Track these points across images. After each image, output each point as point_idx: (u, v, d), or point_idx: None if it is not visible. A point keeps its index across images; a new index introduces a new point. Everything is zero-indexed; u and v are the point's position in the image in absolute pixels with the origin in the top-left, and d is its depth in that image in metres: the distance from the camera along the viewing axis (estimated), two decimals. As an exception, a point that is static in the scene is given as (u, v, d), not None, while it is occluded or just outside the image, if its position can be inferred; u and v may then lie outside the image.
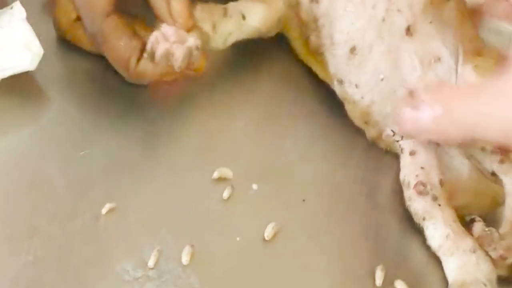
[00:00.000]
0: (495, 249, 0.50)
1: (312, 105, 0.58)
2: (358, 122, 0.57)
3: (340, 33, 0.55)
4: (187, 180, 0.52)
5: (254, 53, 0.59)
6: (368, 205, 0.54)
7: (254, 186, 0.53)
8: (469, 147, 0.53)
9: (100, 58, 0.52)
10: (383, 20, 0.54)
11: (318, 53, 0.57)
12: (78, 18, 0.52)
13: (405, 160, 0.55)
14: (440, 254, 0.51)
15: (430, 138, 0.51)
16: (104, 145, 0.52)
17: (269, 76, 0.59)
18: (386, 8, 0.54)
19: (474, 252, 0.51)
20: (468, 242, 0.51)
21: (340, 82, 0.56)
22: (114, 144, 0.52)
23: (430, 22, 0.54)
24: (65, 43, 0.54)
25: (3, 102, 0.52)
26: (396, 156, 0.56)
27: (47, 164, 0.50)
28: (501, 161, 0.52)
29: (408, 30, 0.54)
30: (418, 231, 0.53)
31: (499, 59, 0.53)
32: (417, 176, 0.53)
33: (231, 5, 0.55)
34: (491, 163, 0.52)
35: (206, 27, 0.53)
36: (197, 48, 0.50)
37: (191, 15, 0.50)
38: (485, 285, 0.49)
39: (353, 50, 0.54)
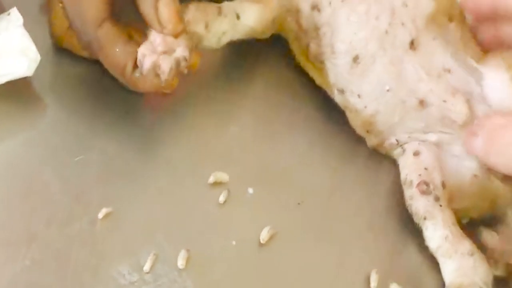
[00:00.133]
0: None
1: (308, 110, 0.58)
2: (359, 130, 0.57)
3: (342, 42, 0.55)
4: (183, 184, 0.52)
5: (250, 56, 0.60)
6: (364, 208, 0.54)
7: (250, 190, 0.53)
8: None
9: (96, 64, 0.52)
10: (386, 32, 0.54)
11: (317, 61, 0.57)
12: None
13: (407, 160, 0.55)
14: (438, 255, 0.52)
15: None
16: (100, 151, 0.52)
17: (265, 80, 0.59)
18: (389, 22, 0.54)
19: (472, 255, 0.51)
20: (466, 245, 0.51)
21: (341, 91, 0.56)
22: (110, 149, 0.52)
23: (434, 39, 0.54)
24: (61, 49, 0.55)
25: (0, 108, 0.52)
26: (394, 162, 0.57)
27: (43, 169, 0.50)
28: None
29: (412, 44, 0.54)
30: (413, 234, 0.53)
31: None
32: (420, 175, 0.53)
33: (225, 4, 0.55)
34: None
35: (199, 28, 0.52)
36: (185, 59, 0.50)
37: (180, 19, 0.50)
38: (481, 288, 0.49)
39: (356, 59, 0.54)
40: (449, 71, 0.54)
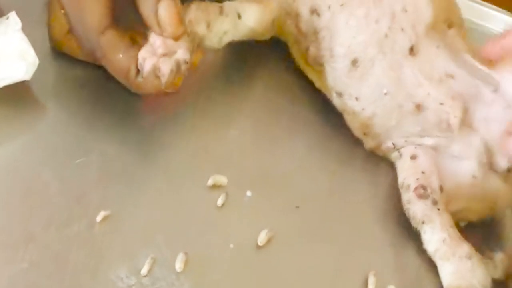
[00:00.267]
0: None
1: (307, 114, 0.58)
2: (357, 132, 0.57)
3: (341, 46, 0.55)
4: (182, 187, 0.52)
5: (250, 59, 0.60)
6: (362, 211, 0.55)
7: (248, 193, 0.53)
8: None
9: (95, 67, 0.52)
10: (386, 36, 0.54)
11: (316, 64, 0.57)
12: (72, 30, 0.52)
13: (404, 164, 0.55)
14: (436, 258, 0.52)
15: None
16: (100, 153, 0.52)
17: (264, 83, 0.60)
18: (389, 26, 0.54)
19: (470, 258, 0.51)
20: (464, 248, 0.51)
21: (339, 94, 0.56)
22: (110, 152, 0.52)
23: (437, 47, 0.54)
24: (60, 53, 0.55)
25: (-1, 111, 0.52)
26: (391, 164, 0.57)
27: (43, 172, 0.50)
28: None
29: (412, 50, 0.54)
30: (411, 237, 0.53)
31: None
32: (417, 179, 0.53)
33: (227, 4, 0.55)
34: None
35: (201, 28, 0.52)
36: (186, 61, 0.50)
37: (180, 22, 0.50)
38: (479, 291, 0.50)
39: (355, 62, 0.54)
40: (452, 76, 0.54)
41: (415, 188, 0.53)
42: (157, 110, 0.55)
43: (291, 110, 0.58)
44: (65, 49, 0.53)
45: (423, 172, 0.54)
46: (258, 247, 0.51)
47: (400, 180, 0.55)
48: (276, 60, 0.60)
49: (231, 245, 0.50)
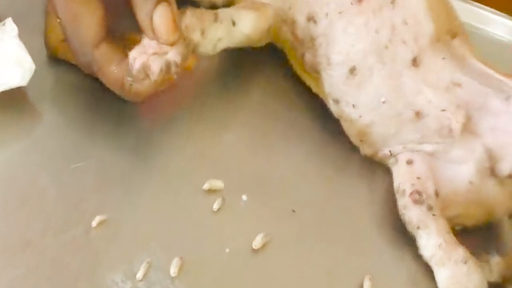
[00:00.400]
0: None
1: (304, 120, 0.59)
2: (354, 139, 0.57)
3: (338, 54, 0.55)
4: (178, 192, 0.52)
5: (247, 65, 0.60)
6: (358, 216, 0.55)
7: (244, 197, 0.53)
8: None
9: (91, 72, 0.52)
10: (386, 47, 0.54)
11: (313, 71, 0.57)
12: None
13: (400, 169, 0.55)
14: (432, 264, 0.52)
15: None
16: (96, 158, 0.52)
17: (261, 89, 0.60)
18: (389, 38, 0.54)
19: (465, 262, 0.51)
20: (460, 253, 0.51)
21: (336, 101, 0.56)
22: (106, 157, 0.52)
23: (443, 58, 0.54)
24: (57, 59, 0.55)
25: (-4, 117, 0.53)
26: (387, 170, 0.57)
27: (39, 178, 0.51)
28: None
29: (414, 61, 0.54)
30: (407, 242, 0.53)
31: None
32: (413, 184, 0.53)
33: (222, 10, 0.55)
34: None
35: (195, 34, 0.52)
36: (176, 64, 0.50)
37: (176, 29, 0.50)
38: (475, 295, 0.50)
39: (353, 70, 0.54)
40: (459, 85, 0.54)
41: (411, 194, 0.53)
42: (153, 115, 0.56)
43: (287, 116, 0.59)
44: (61, 55, 0.53)
45: (418, 178, 0.54)
46: (254, 251, 0.51)
47: (395, 185, 0.55)
48: (273, 66, 0.61)
49: (227, 250, 0.50)
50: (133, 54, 0.49)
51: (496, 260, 0.53)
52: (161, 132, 0.55)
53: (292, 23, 0.57)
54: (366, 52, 0.54)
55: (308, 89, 0.59)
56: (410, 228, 0.53)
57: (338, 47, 0.55)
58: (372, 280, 0.51)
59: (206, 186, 0.53)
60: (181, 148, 0.55)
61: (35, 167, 0.51)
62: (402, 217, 0.53)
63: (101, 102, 0.53)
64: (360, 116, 0.55)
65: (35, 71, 0.52)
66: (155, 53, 0.49)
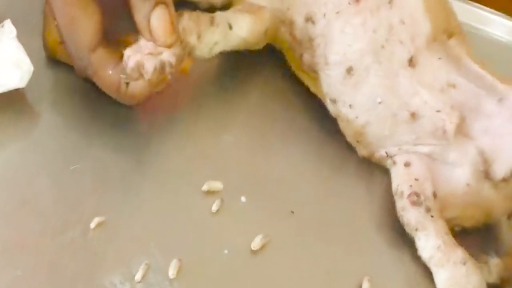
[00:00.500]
0: None
1: (302, 119, 0.59)
2: (350, 139, 0.57)
3: (336, 54, 0.54)
4: (177, 193, 0.52)
5: (244, 65, 0.60)
6: (358, 217, 0.55)
7: (243, 199, 0.53)
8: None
9: (90, 74, 0.52)
10: (383, 47, 0.54)
11: (311, 71, 0.57)
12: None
13: (398, 171, 0.55)
14: (431, 265, 0.52)
15: None
16: (95, 160, 0.52)
17: (259, 90, 0.60)
18: (386, 38, 0.54)
19: (464, 264, 0.51)
20: (458, 254, 0.51)
21: (333, 101, 0.56)
22: (104, 159, 0.52)
23: (439, 58, 0.54)
24: (55, 60, 0.55)
25: (-6, 118, 0.52)
26: (386, 170, 0.56)
27: (37, 179, 0.51)
28: None
29: (411, 61, 0.54)
30: (407, 243, 0.53)
31: None
32: (411, 186, 0.53)
33: (218, 14, 0.55)
34: None
35: (192, 38, 0.52)
36: (170, 64, 0.50)
37: (173, 32, 0.50)
38: (474, 296, 0.50)
39: (350, 70, 0.54)
40: (453, 86, 0.54)
41: (409, 195, 0.53)
42: (152, 117, 0.56)
43: (286, 116, 0.59)
44: (59, 57, 0.53)
45: (416, 179, 0.54)
46: (253, 252, 0.51)
47: (394, 187, 0.54)
48: (271, 66, 0.61)
49: (226, 251, 0.50)
50: (128, 52, 0.49)
51: (495, 262, 0.53)
52: (159, 133, 0.55)
53: (291, 24, 0.57)
54: (363, 52, 0.54)
55: (306, 90, 0.59)
56: (408, 229, 0.53)
57: (336, 47, 0.55)
58: (371, 282, 0.51)
59: (205, 187, 0.53)
60: (180, 149, 0.55)
61: (34, 168, 0.51)
62: (400, 219, 0.53)
63: (100, 104, 0.52)
64: (357, 117, 0.55)
65: (34, 73, 0.52)
66: (150, 53, 0.49)
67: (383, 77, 0.54)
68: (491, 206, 0.54)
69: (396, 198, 0.54)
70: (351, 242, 0.53)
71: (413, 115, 0.54)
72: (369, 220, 0.54)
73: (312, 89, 0.59)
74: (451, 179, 0.54)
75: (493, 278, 0.52)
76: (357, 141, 0.56)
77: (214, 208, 0.52)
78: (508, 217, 0.55)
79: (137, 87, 0.50)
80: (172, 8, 0.50)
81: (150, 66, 0.49)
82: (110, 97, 0.52)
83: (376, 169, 0.57)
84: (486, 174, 0.54)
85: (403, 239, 0.53)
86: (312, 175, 0.56)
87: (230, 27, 0.55)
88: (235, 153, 0.56)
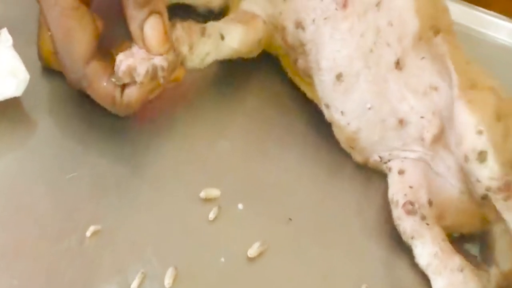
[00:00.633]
0: None
1: (299, 125, 0.58)
2: (344, 146, 0.57)
3: (326, 59, 0.54)
4: (174, 201, 0.52)
5: (241, 70, 0.59)
6: (355, 223, 0.54)
7: (240, 206, 0.53)
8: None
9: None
10: (371, 51, 0.53)
11: (306, 76, 0.57)
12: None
13: (393, 179, 0.55)
14: (428, 272, 0.52)
15: None
16: (91, 167, 0.52)
17: (255, 95, 0.60)
18: (374, 41, 0.53)
19: (461, 271, 0.51)
20: (456, 261, 0.51)
21: (327, 106, 0.56)
22: (101, 166, 0.52)
23: (422, 58, 0.54)
24: (51, 68, 0.55)
25: (-10, 127, 0.53)
26: (384, 176, 0.56)
27: (34, 187, 0.51)
28: (507, 198, 0.51)
29: (398, 64, 0.53)
30: (405, 249, 0.53)
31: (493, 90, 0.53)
32: (405, 195, 0.53)
33: (210, 24, 0.55)
34: (496, 201, 0.51)
35: (184, 49, 0.52)
36: (162, 68, 0.50)
37: (166, 41, 0.50)
38: (472, 303, 0.49)
39: (339, 76, 0.54)
40: (435, 88, 0.54)
41: (403, 205, 0.53)
42: (148, 124, 0.55)
43: (282, 121, 0.58)
44: (54, 66, 0.53)
45: (411, 187, 0.53)
46: (250, 260, 0.51)
47: (389, 195, 0.54)
48: (267, 71, 0.60)
49: (222, 259, 0.50)
50: (121, 57, 0.49)
51: (494, 271, 0.52)
52: (156, 140, 0.55)
53: (283, 29, 0.57)
54: (351, 58, 0.54)
55: (302, 94, 0.59)
56: (405, 238, 0.53)
57: (326, 53, 0.54)
58: (368, 289, 0.51)
59: (202, 194, 0.53)
60: (176, 156, 0.55)
61: (30, 177, 0.51)
62: (397, 227, 0.53)
63: (96, 112, 0.52)
64: (348, 123, 0.55)
65: (30, 81, 0.52)
66: (142, 59, 0.49)
67: (372, 82, 0.54)
68: (487, 212, 0.53)
69: (392, 207, 0.54)
70: (348, 249, 0.53)
71: (401, 122, 0.54)
72: (366, 226, 0.54)
73: (309, 94, 0.59)
74: (445, 187, 0.54)
75: (492, 287, 0.52)
76: (351, 147, 0.56)
77: (211, 216, 0.52)
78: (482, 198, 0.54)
79: (132, 95, 0.50)
80: (166, 18, 0.50)
81: (142, 69, 0.49)
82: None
83: (373, 174, 0.57)
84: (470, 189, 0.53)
85: (401, 245, 0.53)
86: (309, 180, 0.56)
87: (222, 38, 0.55)
88: (232, 158, 0.56)
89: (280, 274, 0.51)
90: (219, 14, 0.60)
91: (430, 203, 0.53)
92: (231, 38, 0.55)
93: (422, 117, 0.53)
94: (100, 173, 0.52)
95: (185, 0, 0.60)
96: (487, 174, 0.50)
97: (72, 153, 0.53)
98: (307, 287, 0.51)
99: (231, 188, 0.53)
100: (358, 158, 0.57)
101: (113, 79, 0.50)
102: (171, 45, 0.50)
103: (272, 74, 0.60)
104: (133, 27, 0.49)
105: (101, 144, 0.53)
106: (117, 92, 0.50)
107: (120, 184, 0.52)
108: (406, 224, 0.52)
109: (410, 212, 0.52)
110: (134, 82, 0.50)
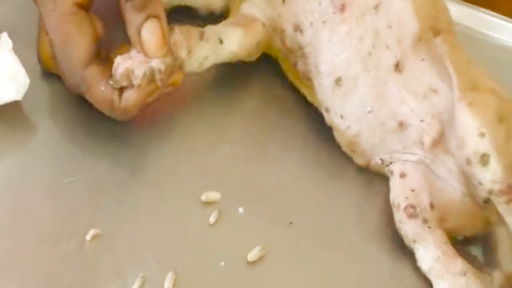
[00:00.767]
0: None
1: (300, 127, 0.58)
2: (345, 149, 0.56)
3: (325, 63, 0.54)
4: (174, 204, 0.52)
5: (241, 73, 0.59)
6: (356, 227, 0.54)
7: (240, 209, 0.53)
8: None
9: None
10: (370, 54, 0.53)
11: (306, 79, 0.57)
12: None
13: (395, 182, 0.54)
14: (430, 276, 0.51)
15: None
16: (90, 171, 0.52)
17: (256, 97, 0.59)
18: (373, 44, 0.53)
19: (464, 274, 0.50)
20: (458, 265, 0.51)
21: (327, 110, 0.55)
22: (100, 170, 0.52)
23: (422, 60, 0.53)
24: (51, 72, 0.55)
25: (-10, 130, 0.53)
26: (385, 179, 0.56)
27: (33, 192, 0.51)
28: (509, 201, 0.50)
29: (397, 66, 0.53)
30: (407, 253, 0.53)
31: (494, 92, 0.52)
32: (407, 198, 0.53)
33: (208, 28, 0.55)
34: (498, 204, 0.51)
35: (182, 53, 0.52)
36: (160, 71, 0.50)
37: (164, 45, 0.50)
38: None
39: (338, 81, 0.54)
40: (435, 91, 0.53)
41: (405, 208, 0.52)
42: (148, 127, 0.55)
43: (283, 123, 0.58)
44: (54, 70, 0.53)
45: (412, 190, 0.53)
46: (250, 264, 0.50)
47: (391, 199, 0.54)
48: (267, 73, 0.60)
49: (222, 263, 0.50)
50: (118, 59, 0.50)
51: (498, 274, 0.52)
52: (155, 143, 0.55)
53: (282, 32, 0.57)
54: (350, 61, 0.53)
55: (303, 97, 0.59)
56: (407, 242, 0.52)
57: (324, 57, 0.54)
58: (370, 293, 0.50)
59: (203, 198, 0.53)
60: (176, 159, 0.54)
61: (30, 180, 0.51)
62: (398, 231, 0.53)
63: (95, 115, 0.52)
64: (348, 127, 0.54)
65: (30, 84, 0.52)
66: (140, 62, 0.49)
67: (372, 85, 0.53)
68: (489, 215, 0.53)
69: (393, 210, 0.53)
70: (349, 252, 0.53)
71: (401, 124, 0.53)
72: (368, 229, 0.54)
73: (309, 98, 0.58)
74: (447, 189, 0.53)
75: (494, 289, 0.51)
76: (352, 151, 0.56)
77: (212, 219, 0.52)
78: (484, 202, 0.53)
79: (130, 98, 0.50)
80: (165, 21, 0.50)
81: (139, 72, 0.49)
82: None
83: (375, 177, 0.57)
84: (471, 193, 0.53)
85: (402, 250, 0.52)
86: (310, 183, 0.56)
87: (221, 42, 0.55)
88: (232, 161, 0.55)
89: (281, 278, 0.50)
90: (220, 16, 0.60)
91: (432, 206, 0.52)
92: (230, 42, 0.55)
93: (421, 120, 0.53)
94: (100, 176, 0.52)
95: (186, 3, 0.60)
96: (490, 177, 0.50)
97: (72, 156, 0.53)
98: (308, 291, 0.50)
99: (231, 191, 0.53)
100: (359, 161, 0.56)
101: (110, 82, 0.50)
102: (169, 49, 0.50)
103: (272, 76, 0.60)
104: (131, 31, 0.49)
105: (100, 147, 0.53)
106: (115, 96, 0.50)
107: (119, 188, 0.52)
108: (408, 228, 0.52)
109: (412, 216, 0.52)
110: (131, 85, 0.50)
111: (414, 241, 0.51)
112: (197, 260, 0.50)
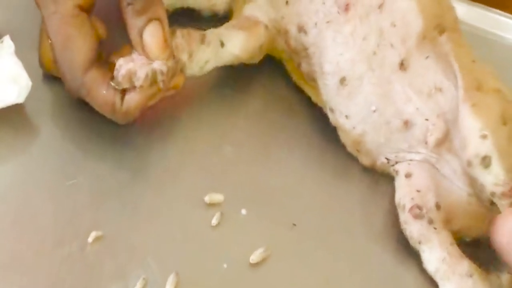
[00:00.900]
0: None
1: (304, 128, 0.58)
2: (350, 149, 0.56)
3: (329, 63, 0.54)
4: (176, 206, 0.52)
5: (244, 73, 0.59)
6: (361, 228, 0.53)
7: (243, 211, 0.52)
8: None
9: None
10: (374, 53, 0.53)
11: (310, 80, 0.57)
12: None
13: (400, 182, 0.54)
14: (437, 278, 0.51)
15: None
16: (92, 173, 0.52)
17: (259, 98, 0.59)
18: (377, 43, 0.53)
19: (471, 276, 0.50)
20: (464, 266, 0.50)
21: (332, 110, 0.55)
22: (102, 172, 0.52)
23: (427, 57, 0.53)
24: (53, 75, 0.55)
25: (-8, 133, 0.53)
26: (391, 179, 0.55)
27: (35, 194, 0.51)
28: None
29: (402, 65, 0.53)
30: (412, 254, 0.52)
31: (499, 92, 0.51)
32: (412, 199, 0.52)
33: (209, 31, 0.54)
34: (501, 206, 0.50)
35: (183, 56, 0.52)
36: (162, 73, 0.50)
37: (166, 48, 0.50)
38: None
39: (343, 81, 0.53)
40: (440, 89, 0.52)
41: (410, 208, 0.51)
42: (150, 129, 0.55)
43: (286, 124, 0.58)
44: (55, 73, 0.53)
45: (418, 191, 0.52)
46: (252, 266, 0.50)
47: (396, 200, 0.53)
48: (270, 74, 0.60)
49: (225, 265, 0.50)
50: (120, 61, 0.50)
51: (506, 277, 0.51)
52: (157, 145, 0.55)
53: (285, 33, 0.56)
54: (354, 61, 0.53)
55: (307, 97, 0.59)
56: (412, 243, 0.51)
57: (329, 57, 0.54)
58: (374, 295, 0.50)
59: (206, 199, 0.52)
60: (178, 161, 0.54)
61: (32, 182, 0.51)
62: (404, 232, 0.52)
63: (97, 117, 0.52)
64: (354, 127, 0.54)
65: (32, 87, 0.52)
66: (142, 64, 0.49)
67: (376, 84, 0.53)
68: (496, 215, 0.52)
69: (399, 211, 0.53)
70: (354, 253, 0.52)
71: (406, 123, 0.53)
72: (373, 230, 0.53)
73: (313, 98, 0.58)
74: (452, 189, 0.53)
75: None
76: (357, 150, 0.55)
77: (214, 221, 0.51)
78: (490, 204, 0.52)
79: (132, 101, 0.50)
80: (166, 24, 0.50)
81: (141, 73, 0.49)
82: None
83: (380, 177, 0.56)
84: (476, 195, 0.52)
85: (408, 251, 0.52)
86: (315, 184, 0.55)
87: (222, 45, 0.54)
88: (235, 163, 0.55)
89: (283, 280, 0.50)
90: (223, 17, 0.60)
91: (437, 206, 0.52)
92: (232, 45, 0.55)
93: (427, 119, 0.52)
94: (102, 178, 0.52)
95: (189, 5, 0.60)
96: (491, 179, 0.49)
97: (74, 159, 0.53)
98: (312, 293, 0.50)
99: (234, 193, 0.53)
100: (365, 161, 0.56)
101: (112, 84, 0.50)
102: (171, 52, 0.50)
103: (275, 77, 0.60)
104: (133, 34, 0.49)
105: (102, 149, 0.53)
106: (117, 99, 0.50)
107: (121, 190, 0.52)
108: (413, 229, 0.51)
109: (417, 216, 0.51)
110: (133, 87, 0.50)
111: (419, 242, 0.51)
112: (199, 262, 0.50)
